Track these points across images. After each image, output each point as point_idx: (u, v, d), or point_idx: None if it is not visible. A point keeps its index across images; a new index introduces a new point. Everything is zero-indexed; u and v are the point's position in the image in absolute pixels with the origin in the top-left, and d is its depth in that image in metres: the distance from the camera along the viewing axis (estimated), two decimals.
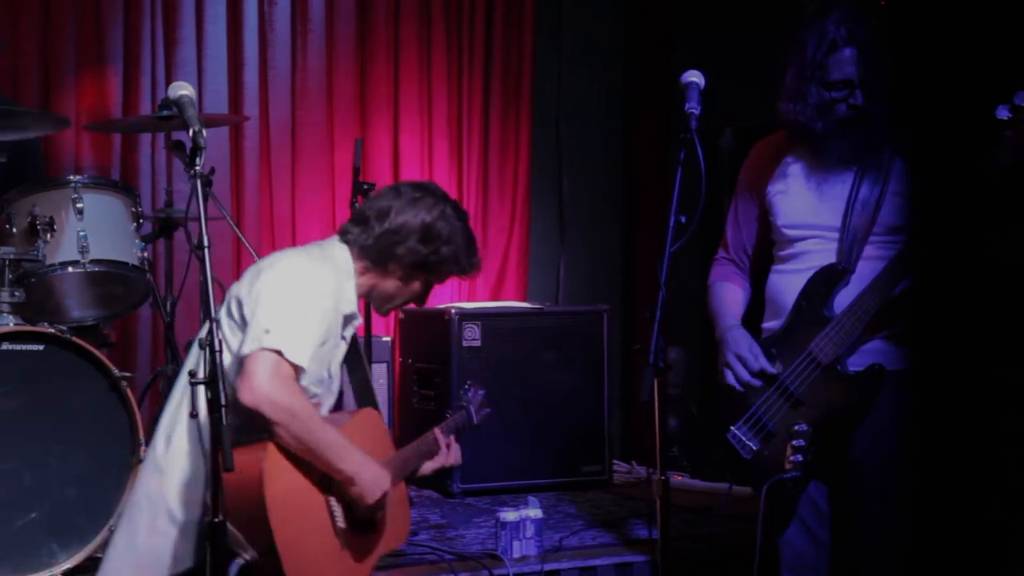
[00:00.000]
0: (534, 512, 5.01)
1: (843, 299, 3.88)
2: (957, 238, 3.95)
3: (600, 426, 6.46)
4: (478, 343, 6.28)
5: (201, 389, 3.08)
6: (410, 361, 6.60)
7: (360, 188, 5.93)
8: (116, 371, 4.72)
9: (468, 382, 4.54)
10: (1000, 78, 5.14)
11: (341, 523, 3.65)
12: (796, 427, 3.93)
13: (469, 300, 7.16)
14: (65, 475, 4.65)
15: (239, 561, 3.36)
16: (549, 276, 7.65)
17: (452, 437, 4.20)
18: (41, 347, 4.65)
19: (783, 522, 4.09)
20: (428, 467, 4.12)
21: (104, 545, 4.68)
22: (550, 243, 7.64)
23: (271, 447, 3.46)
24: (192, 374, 3.15)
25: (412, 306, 4.05)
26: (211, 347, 3.06)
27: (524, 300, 7.28)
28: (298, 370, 3.50)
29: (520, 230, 7.44)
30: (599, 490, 6.37)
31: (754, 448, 3.99)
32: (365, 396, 4.02)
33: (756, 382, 3.99)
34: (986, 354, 5.26)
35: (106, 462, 4.67)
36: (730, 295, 4.21)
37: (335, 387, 3.81)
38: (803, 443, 3.92)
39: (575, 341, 6.49)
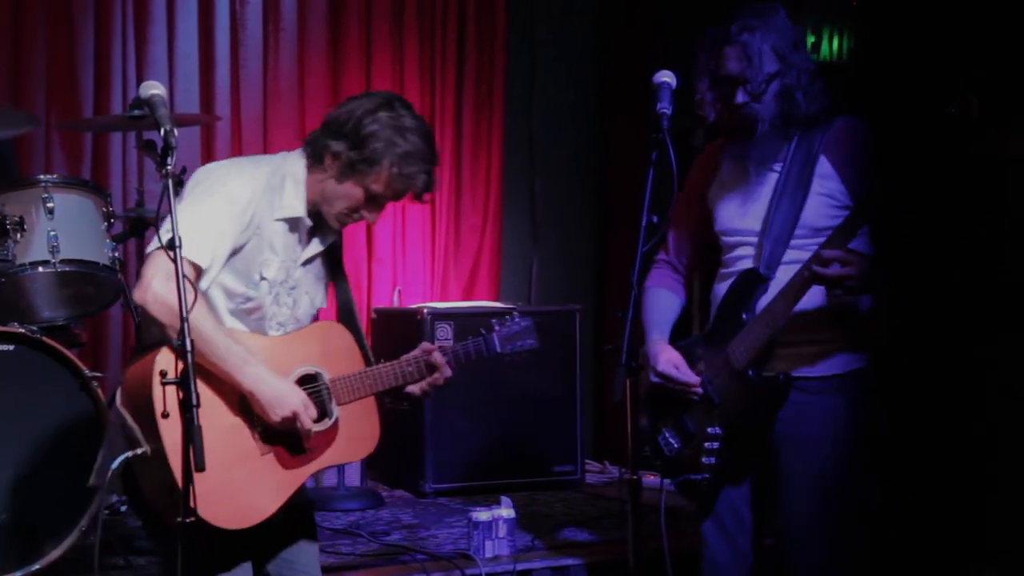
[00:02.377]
0: (506, 512, 5.02)
1: (763, 304, 3.89)
2: (929, 231, 3.96)
3: (572, 426, 6.47)
4: (450, 342, 6.25)
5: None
6: (382, 361, 6.58)
7: None
8: (87, 371, 4.71)
9: (516, 312, 4.28)
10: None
11: (260, 428, 3.58)
12: (710, 429, 3.96)
13: (442, 300, 7.16)
14: (35, 476, 4.63)
15: (129, 454, 3.38)
16: (521, 276, 7.65)
17: (446, 361, 4.02)
18: (11, 347, 4.63)
19: (701, 519, 4.10)
20: (415, 387, 4.04)
21: (74, 547, 4.67)
22: (522, 243, 7.64)
23: (164, 349, 3.41)
24: (163, 374, 3.14)
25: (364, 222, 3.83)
26: (183, 348, 3.04)
27: (496, 300, 7.28)
28: (197, 268, 3.47)
29: (492, 230, 7.45)
30: (571, 490, 6.39)
31: (675, 446, 4.02)
32: (345, 314, 3.95)
33: (689, 392, 4.00)
34: (956, 354, 5.30)
35: (76, 462, 4.65)
36: (661, 304, 4.19)
37: (286, 298, 3.72)
38: (715, 445, 3.95)
39: (547, 341, 6.46)
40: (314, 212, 3.73)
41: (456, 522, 5.59)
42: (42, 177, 5.09)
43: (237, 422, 3.55)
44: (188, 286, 3.35)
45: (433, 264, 7.30)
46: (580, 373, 6.54)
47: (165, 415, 3.30)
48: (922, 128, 3.86)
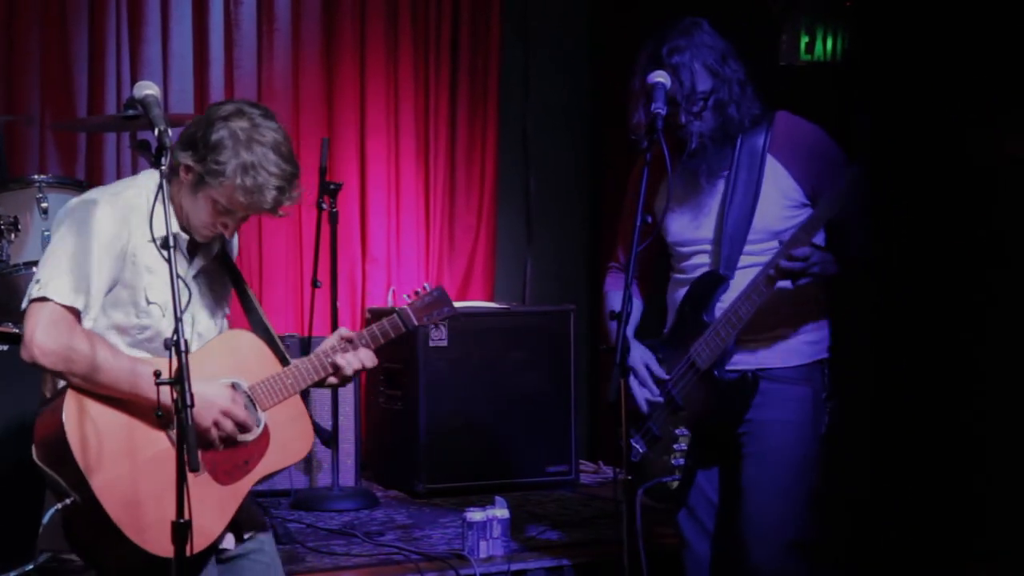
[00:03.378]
0: (500, 512, 5.02)
1: (723, 305, 3.91)
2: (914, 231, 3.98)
3: (567, 426, 6.47)
4: (445, 343, 6.28)
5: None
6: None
7: (327, 188, 5.92)
8: None
9: (425, 284, 4.07)
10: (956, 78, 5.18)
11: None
12: (677, 432, 3.97)
13: None
14: (29, 477, 4.62)
15: (58, 505, 3.35)
16: (516, 276, 7.65)
17: (364, 345, 3.81)
18: (6, 347, 4.63)
19: (674, 510, 4.12)
20: (333, 379, 3.79)
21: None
22: (517, 243, 7.64)
23: (68, 393, 3.38)
24: (157, 374, 3.12)
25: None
26: (177, 347, 3.04)
27: (491, 300, 7.28)
28: (74, 312, 3.40)
29: (487, 229, 7.44)
30: (566, 490, 6.39)
31: (640, 451, 4.02)
32: (253, 318, 3.82)
33: (652, 393, 4.00)
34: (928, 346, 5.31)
35: None
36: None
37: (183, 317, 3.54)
38: (683, 447, 3.97)
39: (542, 341, 6.50)
40: (187, 226, 3.60)
41: (450, 522, 5.58)
42: (36, 177, 5.09)
43: (162, 448, 3.43)
44: (71, 330, 3.37)
45: (427, 264, 7.30)
46: (574, 373, 6.54)
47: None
48: (918, 128, 3.87)
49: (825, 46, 6.11)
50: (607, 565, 4.99)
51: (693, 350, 3.93)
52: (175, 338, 3.04)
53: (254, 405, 3.61)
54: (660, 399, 3.98)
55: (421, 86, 7.29)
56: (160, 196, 3.16)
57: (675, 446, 3.98)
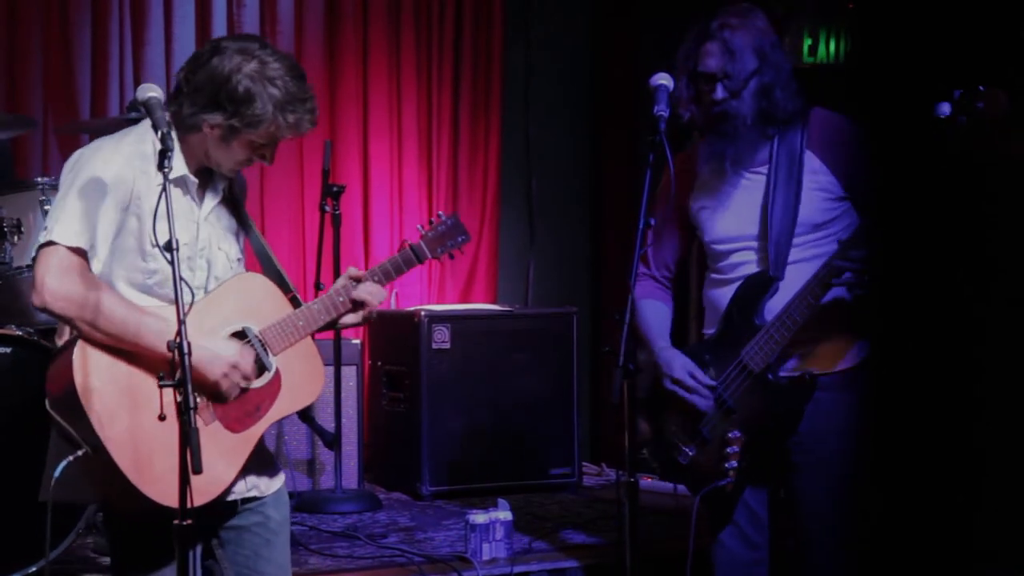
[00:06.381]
0: (503, 514, 5.02)
1: (774, 306, 3.88)
2: (918, 226, 3.97)
3: (569, 428, 6.47)
4: (447, 345, 6.28)
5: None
6: (379, 363, 6.60)
7: (329, 190, 5.93)
8: None
9: (440, 213, 4.02)
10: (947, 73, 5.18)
11: (198, 399, 3.35)
12: (730, 434, 3.95)
13: (439, 302, 7.16)
14: (32, 480, 4.62)
15: (69, 458, 3.34)
16: (518, 278, 7.65)
17: (375, 281, 3.84)
18: (8, 350, 4.63)
19: (720, 526, 4.09)
20: (355, 317, 3.82)
21: (70, 550, 4.66)
22: (519, 245, 7.65)
23: (79, 343, 3.35)
24: (161, 376, 3.12)
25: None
26: (180, 349, 3.03)
27: (493, 302, 7.28)
28: (81, 253, 3.37)
29: (489, 232, 7.45)
30: (568, 492, 6.38)
31: (690, 454, 4.00)
32: (262, 259, 3.78)
33: (704, 399, 3.98)
34: (951, 350, 5.30)
35: None
36: (656, 314, 4.15)
37: (199, 260, 3.57)
38: (737, 450, 3.94)
39: (544, 343, 6.50)
40: (199, 169, 3.56)
41: (453, 524, 5.59)
42: (39, 180, 5.09)
43: (168, 401, 3.31)
44: (80, 276, 3.33)
45: (430, 266, 7.30)
46: (577, 375, 6.54)
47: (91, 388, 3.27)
48: (921, 129, 3.87)
49: (828, 48, 6.12)
50: (611, 567, 4.99)
51: (745, 353, 3.90)
52: (177, 340, 3.04)
53: (265, 349, 3.56)
54: (705, 397, 3.97)
55: (424, 88, 7.29)
56: (165, 199, 3.15)
57: (728, 449, 3.95)
